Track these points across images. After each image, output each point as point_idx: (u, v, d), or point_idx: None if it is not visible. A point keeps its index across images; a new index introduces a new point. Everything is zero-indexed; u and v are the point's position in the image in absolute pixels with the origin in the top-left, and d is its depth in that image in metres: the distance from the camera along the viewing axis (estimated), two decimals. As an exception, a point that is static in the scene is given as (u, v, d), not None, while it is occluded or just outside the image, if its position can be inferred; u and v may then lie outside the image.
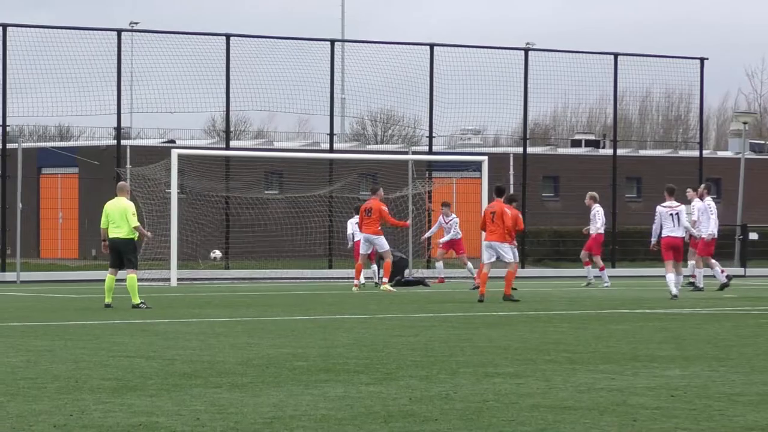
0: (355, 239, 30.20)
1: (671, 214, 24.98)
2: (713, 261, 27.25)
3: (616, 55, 41.56)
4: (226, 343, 13.53)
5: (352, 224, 30.39)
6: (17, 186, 32.00)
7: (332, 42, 38.44)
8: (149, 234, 23.94)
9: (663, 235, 24.99)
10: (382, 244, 27.46)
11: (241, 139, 48.10)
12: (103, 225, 20.15)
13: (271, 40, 38.91)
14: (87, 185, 40.85)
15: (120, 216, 19.89)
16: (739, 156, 45.30)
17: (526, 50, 40.70)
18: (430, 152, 38.84)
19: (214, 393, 9.38)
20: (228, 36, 36.54)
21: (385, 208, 28.06)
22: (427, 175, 37.64)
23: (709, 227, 26.94)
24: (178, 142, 38.95)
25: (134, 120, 41.09)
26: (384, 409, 8.40)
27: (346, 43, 42.55)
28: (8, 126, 33.35)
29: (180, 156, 30.25)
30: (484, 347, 13.45)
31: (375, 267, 29.73)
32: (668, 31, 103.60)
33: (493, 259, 23.84)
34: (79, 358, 12.24)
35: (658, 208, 25.43)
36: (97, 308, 19.45)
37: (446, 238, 31.55)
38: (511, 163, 42.19)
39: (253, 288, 28.18)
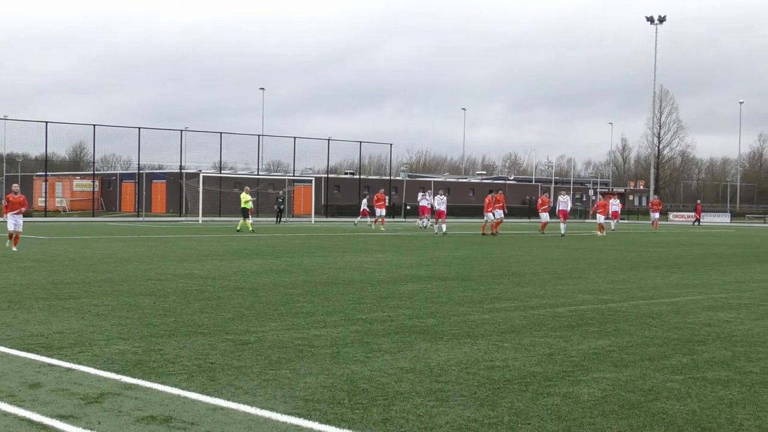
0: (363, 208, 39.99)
1: (564, 200, 33.21)
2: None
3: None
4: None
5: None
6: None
7: (259, 136, 55.15)
8: (246, 189, 32.25)
9: (560, 208, 33.26)
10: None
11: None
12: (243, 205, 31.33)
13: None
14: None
15: (242, 199, 31.39)
16: (404, 179, 68.41)
17: (329, 140, 56.21)
18: (294, 178, 54.65)
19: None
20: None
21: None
22: (294, 185, 54.22)
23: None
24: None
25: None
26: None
27: (266, 137, 57.11)
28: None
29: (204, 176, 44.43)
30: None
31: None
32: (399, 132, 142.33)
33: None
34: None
35: (560, 198, 33.51)
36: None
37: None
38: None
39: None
